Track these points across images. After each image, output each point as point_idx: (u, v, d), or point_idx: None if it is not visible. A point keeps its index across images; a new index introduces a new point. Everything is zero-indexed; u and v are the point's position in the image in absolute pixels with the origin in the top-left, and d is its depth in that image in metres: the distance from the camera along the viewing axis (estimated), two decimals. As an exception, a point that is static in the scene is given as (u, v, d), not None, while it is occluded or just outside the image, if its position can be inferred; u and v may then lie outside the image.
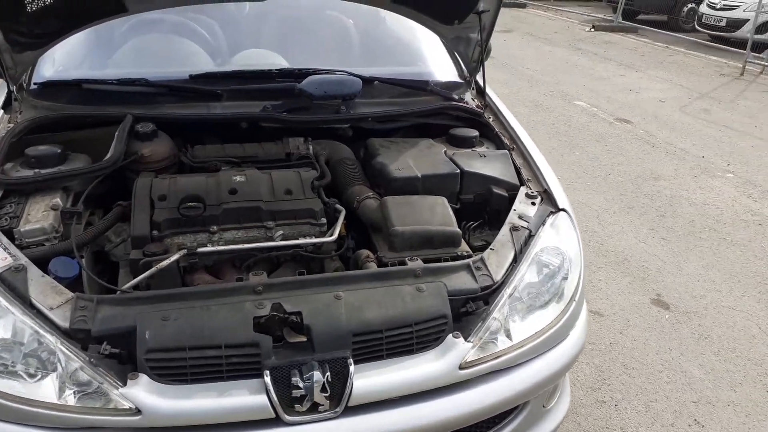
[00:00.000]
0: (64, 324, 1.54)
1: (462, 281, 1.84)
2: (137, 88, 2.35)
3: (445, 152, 2.39)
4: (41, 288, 1.61)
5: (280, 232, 1.96)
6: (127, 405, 1.49)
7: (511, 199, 2.24)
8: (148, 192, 1.96)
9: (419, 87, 2.66)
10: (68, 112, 2.24)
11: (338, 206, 2.13)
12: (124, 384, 1.50)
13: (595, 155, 5.73)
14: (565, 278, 2.01)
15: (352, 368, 1.60)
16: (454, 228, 2.01)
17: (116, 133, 2.15)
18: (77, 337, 1.54)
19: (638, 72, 9.07)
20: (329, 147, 2.44)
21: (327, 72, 2.48)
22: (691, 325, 3.33)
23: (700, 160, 5.72)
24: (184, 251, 1.80)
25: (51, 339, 1.51)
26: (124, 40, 2.69)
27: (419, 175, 2.20)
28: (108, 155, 2.08)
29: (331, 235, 1.98)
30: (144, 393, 1.49)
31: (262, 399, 1.54)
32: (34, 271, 1.64)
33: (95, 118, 2.25)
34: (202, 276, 1.89)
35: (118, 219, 1.98)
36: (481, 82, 2.78)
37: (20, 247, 1.75)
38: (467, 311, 1.82)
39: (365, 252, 1.95)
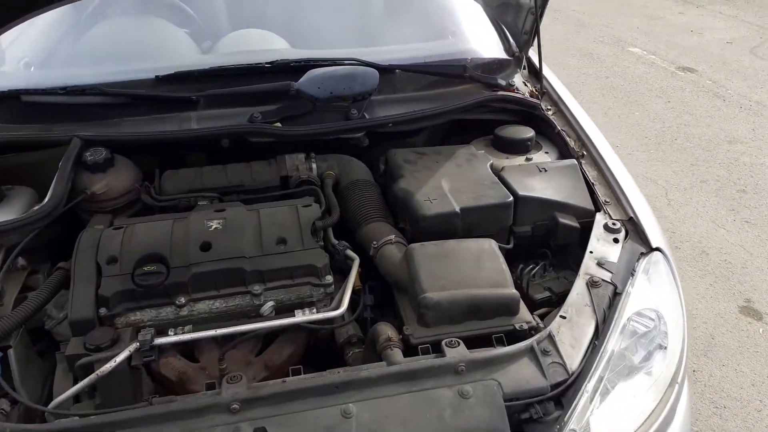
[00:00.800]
0: None
1: (524, 375, 1.31)
2: (89, 98, 1.82)
3: (492, 166, 1.82)
4: None
5: (270, 303, 1.45)
6: None
7: (584, 229, 1.67)
8: (94, 252, 1.46)
9: (454, 73, 2.06)
10: None
11: (350, 252, 1.61)
12: None
13: (657, 114, 5.01)
14: (664, 348, 1.47)
15: None
16: (510, 290, 1.46)
17: (59, 164, 1.64)
18: None
19: (699, 8, 8.07)
20: (338, 164, 1.90)
21: (333, 63, 1.89)
22: (793, 341, 2.75)
23: (782, 116, 4.96)
24: (135, 346, 1.31)
25: None
26: (82, 28, 2.15)
27: (458, 209, 1.64)
28: (46, 198, 1.58)
29: (339, 304, 1.47)
30: None
31: None
32: None
33: (34, 143, 1.75)
34: (170, 361, 1.41)
35: (59, 286, 1.50)
36: (535, 60, 2.16)
37: None
38: (531, 417, 1.30)
39: (386, 331, 1.41)
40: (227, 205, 1.63)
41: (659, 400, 1.41)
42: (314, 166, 1.84)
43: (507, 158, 1.90)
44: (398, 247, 1.60)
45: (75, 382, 1.31)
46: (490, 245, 1.57)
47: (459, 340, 1.36)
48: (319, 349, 1.56)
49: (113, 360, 1.27)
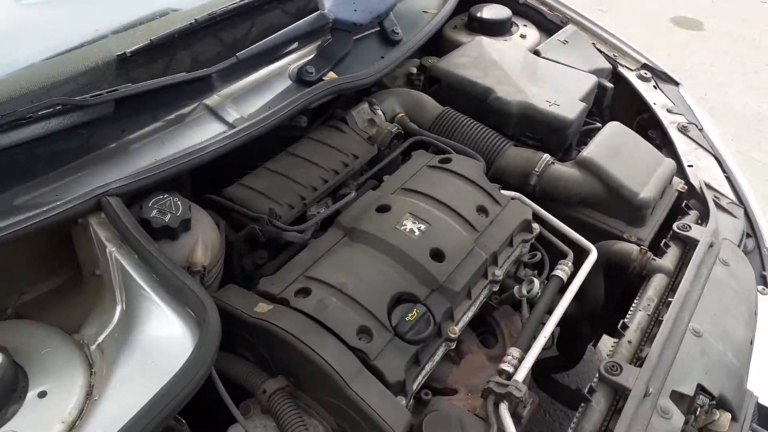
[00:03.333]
0: None
1: None
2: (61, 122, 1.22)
3: (538, 53, 1.84)
4: None
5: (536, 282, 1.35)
6: None
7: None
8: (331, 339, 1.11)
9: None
10: None
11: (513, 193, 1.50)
12: None
13: None
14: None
15: None
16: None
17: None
18: None
19: None
20: (399, 101, 1.68)
21: None
22: None
23: None
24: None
25: None
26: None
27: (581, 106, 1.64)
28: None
29: None
30: None
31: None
32: None
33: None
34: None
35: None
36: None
37: None
38: None
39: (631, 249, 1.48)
40: (388, 199, 1.36)
41: None
42: (380, 112, 1.64)
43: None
44: (561, 164, 1.54)
45: None
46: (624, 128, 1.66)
47: None
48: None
49: None
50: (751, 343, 1.24)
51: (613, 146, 1.55)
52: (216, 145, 1.27)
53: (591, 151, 1.52)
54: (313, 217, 1.38)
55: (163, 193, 1.20)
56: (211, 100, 1.39)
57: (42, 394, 0.97)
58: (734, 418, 1.12)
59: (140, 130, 1.29)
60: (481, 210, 1.36)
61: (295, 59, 1.56)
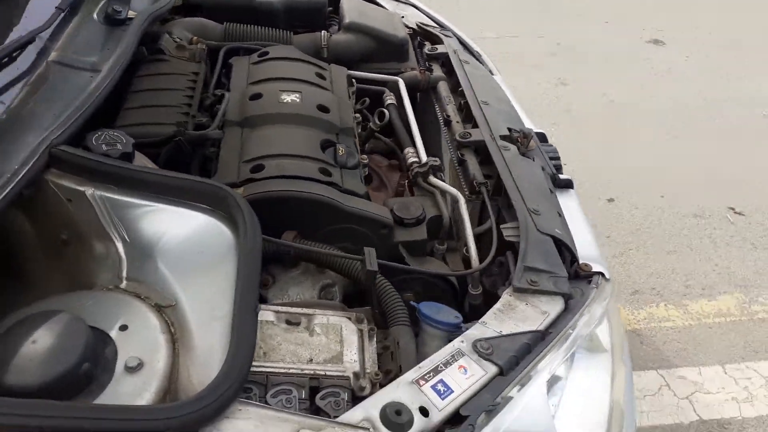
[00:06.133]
0: None
1: None
2: None
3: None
4: None
5: None
6: None
7: None
8: None
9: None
10: None
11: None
12: None
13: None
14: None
15: None
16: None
17: None
18: None
19: None
20: (188, 26, 1.83)
21: None
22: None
23: None
24: None
25: None
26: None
27: None
28: None
29: None
30: None
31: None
32: None
33: None
34: None
35: None
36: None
37: None
38: None
39: None
40: (254, 89, 1.55)
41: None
42: (178, 39, 1.75)
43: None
44: (337, 35, 1.92)
45: None
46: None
47: None
48: None
49: None
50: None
51: (360, 11, 1.94)
52: (105, 83, 1.31)
53: (350, 17, 1.88)
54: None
55: (96, 130, 1.21)
56: (54, 56, 1.36)
57: (123, 327, 0.94)
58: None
59: (14, 98, 1.24)
60: (319, 75, 1.65)
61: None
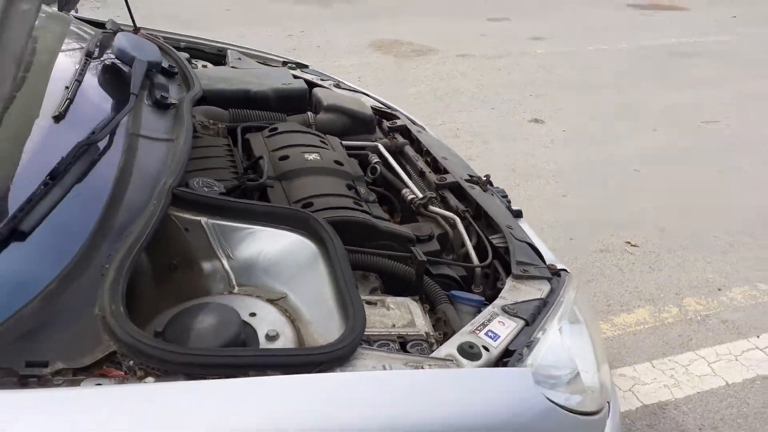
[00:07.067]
0: None
1: None
2: None
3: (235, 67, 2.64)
4: None
5: None
6: None
7: None
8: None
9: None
10: None
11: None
12: None
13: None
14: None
15: None
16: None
17: None
18: None
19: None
20: (204, 112, 2.11)
21: None
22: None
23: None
24: None
25: None
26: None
27: (300, 80, 2.49)
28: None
29: None
30: None
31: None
32: None
33: None
34: None
35: None
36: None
37: None
38: None
39: None
40: (280, 153, 1.87)
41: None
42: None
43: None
44: (321, 115, 2.30)
45: None
46: (325, 90, 2.51)
47: None
48: None
49: None
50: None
51: (333, 96, 2.35)
52: (187, 147, 1.60)
53: (327, 101, 2.26)
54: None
55: (194, 177, 1.55)
56: (133, 130, 1.61)
57: (252, 314, 1.24)
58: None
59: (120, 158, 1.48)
60: (323, 142, 1.98)
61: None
